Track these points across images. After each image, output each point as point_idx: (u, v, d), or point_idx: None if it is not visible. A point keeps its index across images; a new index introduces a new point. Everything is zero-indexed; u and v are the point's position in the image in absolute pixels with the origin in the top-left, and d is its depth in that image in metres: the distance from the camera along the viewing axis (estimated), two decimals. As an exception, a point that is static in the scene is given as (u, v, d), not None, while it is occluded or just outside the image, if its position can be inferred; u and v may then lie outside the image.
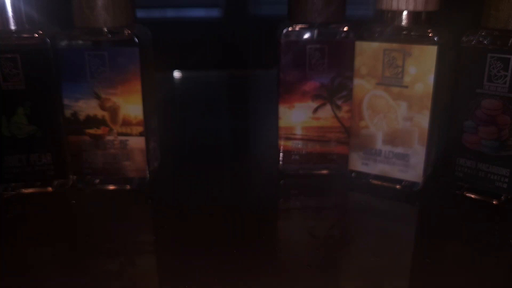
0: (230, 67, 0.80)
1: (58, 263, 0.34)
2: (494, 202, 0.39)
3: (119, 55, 0.39)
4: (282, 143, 0.45)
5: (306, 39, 0.41)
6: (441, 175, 0.41)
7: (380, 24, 0.39)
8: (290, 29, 0.41)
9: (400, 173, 0.41)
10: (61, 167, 0.42)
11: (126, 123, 0.40)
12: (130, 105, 0.40)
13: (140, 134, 0.41)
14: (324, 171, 0.45)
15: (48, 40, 0.38)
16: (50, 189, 0.42)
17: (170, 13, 0.81)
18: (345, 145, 0.44)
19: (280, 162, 0.45)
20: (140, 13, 0.42)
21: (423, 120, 0.39)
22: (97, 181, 0.42)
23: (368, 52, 0.39)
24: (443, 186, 0.41)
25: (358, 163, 0.43)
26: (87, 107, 0.40)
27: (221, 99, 0.73)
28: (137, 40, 0.38)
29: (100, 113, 0.40)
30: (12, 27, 0.38)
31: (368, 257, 0.34)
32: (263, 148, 0.51)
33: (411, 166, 0.41)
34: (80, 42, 0.39)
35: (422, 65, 0.38)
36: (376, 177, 0.42)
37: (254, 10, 0.80)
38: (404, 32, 0.38)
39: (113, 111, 0.40)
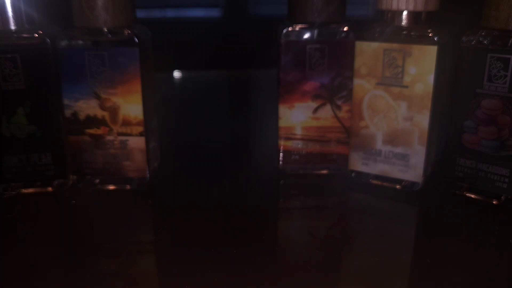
0: (230, 67, 0.80)
1: (58, 263, 0.34)
2: (494, 202, 0.39)
3: (119, 55, 0.39)
4: (282, 143, 0.45)
5: (306, 39, 0.41)
6: (441, 175, 0.41)
7: (380, 24, 0.39)
8: (290, 29, 0.41)
9: (400, 173, 0.41)
10: (61, 167, 0.42)
11: (126, 123, 0.40)
12: (130, 105, 0.40)
13: (140, 134, 0.41)
14: (324, 171, 0.45)
15: (48, 40, 0.38)
16: (50, 189, 0.42)
17: (170, 13, 0.81)
18: (345, 145, 0.44)
19: (280, 162, 0.45)
20: (140, 13, 0.42)
21: (423, 120, 0.39)
22: (97, 181, 0.42)
23: (368, 52, 0.39)
24: (443, 186, 0.41)
25: (358, 163, 0.43)
26: (87, 107, 0.40)
27: (221, 99, 0.73)
28: (137, 40, 0.38)
29: (100, 113, 0.40)
30: (12, 27, 0.38)
31: (368, 257, 0.34)
32: (263, 148, 0.51)
33: (411, 166, 0.41)
34: (80, 42, 0.39)
35: (422, 65, 0.38)
36: (376, 177, 0.42)
37: (254, 10, 0.80)
38: (404, 32, 0.38)
39: (113, 111, 0.40)
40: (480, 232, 0.37)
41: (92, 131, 0.41)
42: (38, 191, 0.42)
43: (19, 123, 0.40)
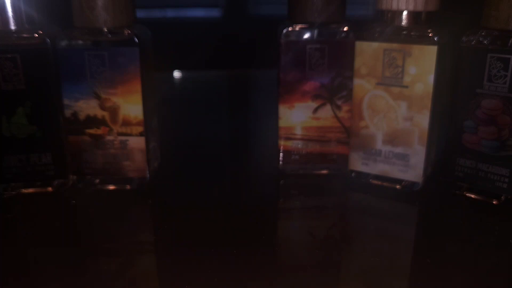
0: (230, 67, 0.80)
1: (58, 263, 0.34)
2: (494, 202, 0.39)
3: (119, 55, 0.39)
4: (282, 143, 0.45)
5: (306, 39, 0.41)
6: (441, 175, 0.41)
7: (380, 24, 0.39)
8: (290, 29, 0.41)
9: (400, 173, 0.41)
10: (61, 167, 0.42)
11: (126, 123, 0.40)
12: (130, 105, 0.40)
13: (140, 134, 0.41)
14: (324, 171, 0.45)
15: (48, 40, 0.38)
16: (50, 189, 0.42)
17: (170, 13, 0.81)
18: (345, 145, 0.44)
19: (280, 162, 0.45)
20: (140, 13, 0.42)
21: (423, 120, 0.39)
22: (97, 181, 0.42)
23: (368, 52, 0.39)
24: (443, 186, 0.41)
25: (358, 163, 0.43)
26: (87, 107, 0.40)
27: (221, 99, 0.73)
28: (137, 40, 0.38)
29: (100, 113, 0.40)
30: (12, 27, 0.38)
31: (368, 257, 0.34)
32: (263, 148, 0.51)
33: (411, 166, 0.41)
34: (80, 42, 0.39)
35: (422, 65, 0.38)
36: (376, 177, 0.42)
37: (254, 10, 0.80)
38: (404, 32, 0.38)
39: (113, 111, 0.40)
40: (480, 232, 0.37)
41: (92, 131, 0.41)
42: (38, 191, 0.42)
43: (19, 123, 0.40)
